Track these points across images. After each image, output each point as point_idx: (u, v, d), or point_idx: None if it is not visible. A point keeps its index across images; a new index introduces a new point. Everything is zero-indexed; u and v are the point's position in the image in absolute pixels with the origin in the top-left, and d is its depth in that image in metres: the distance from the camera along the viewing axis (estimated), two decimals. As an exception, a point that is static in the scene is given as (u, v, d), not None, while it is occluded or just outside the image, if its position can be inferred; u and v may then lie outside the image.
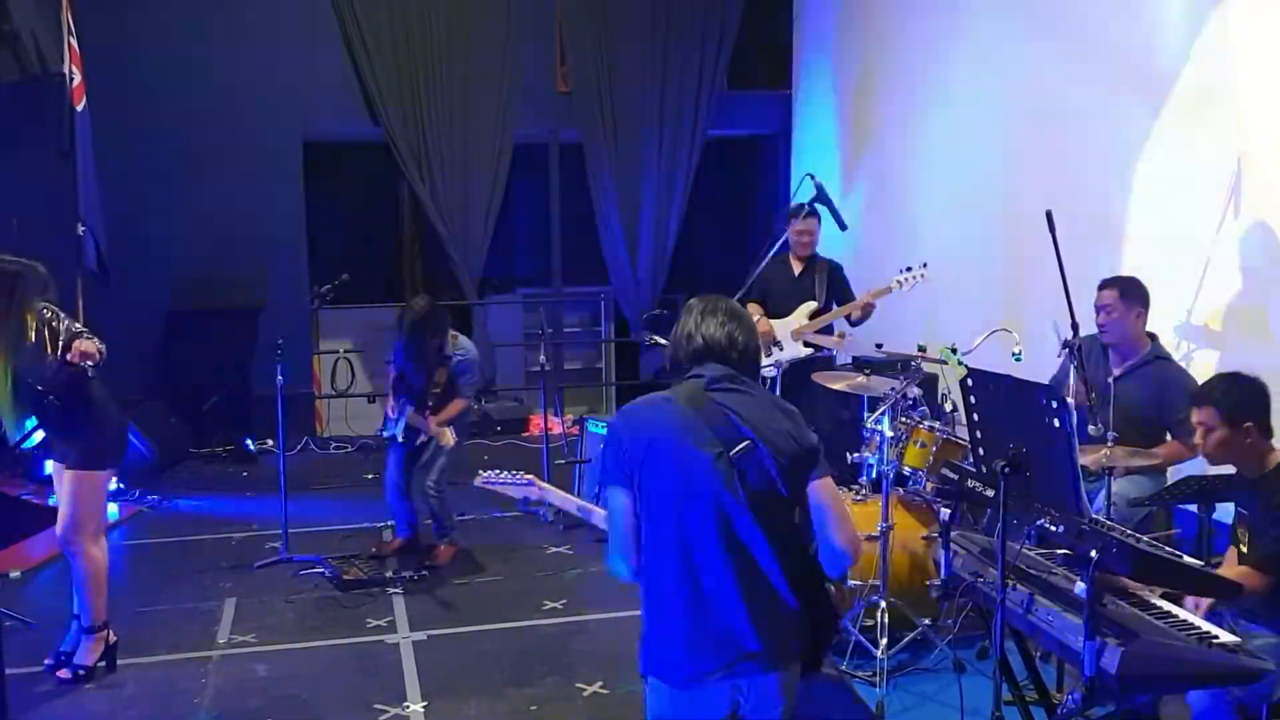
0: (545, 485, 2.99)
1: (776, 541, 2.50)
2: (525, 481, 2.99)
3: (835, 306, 6.23)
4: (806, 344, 6.07)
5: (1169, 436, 4.51)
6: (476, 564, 5.86)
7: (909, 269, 5.94)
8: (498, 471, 3.05)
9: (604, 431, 6.48)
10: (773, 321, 6.26)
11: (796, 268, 6.38)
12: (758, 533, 2.47)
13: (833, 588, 2.66)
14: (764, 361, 5.82)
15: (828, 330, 6.14)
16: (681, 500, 2.48)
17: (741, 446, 2.47)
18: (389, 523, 6.25)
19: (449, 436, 5.54)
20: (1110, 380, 4.52)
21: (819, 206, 5.95)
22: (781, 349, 6.21)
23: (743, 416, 2.50)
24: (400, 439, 5.71)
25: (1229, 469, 4.12)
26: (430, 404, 5.64)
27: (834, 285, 6.32)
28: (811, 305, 6.26)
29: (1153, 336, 4.65)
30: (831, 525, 2.54)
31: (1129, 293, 4.58)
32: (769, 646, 2.48)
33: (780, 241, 6.05)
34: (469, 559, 5.90)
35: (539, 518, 2.82)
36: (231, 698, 4.36)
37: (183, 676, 4.54)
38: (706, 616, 2.48)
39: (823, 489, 2.56)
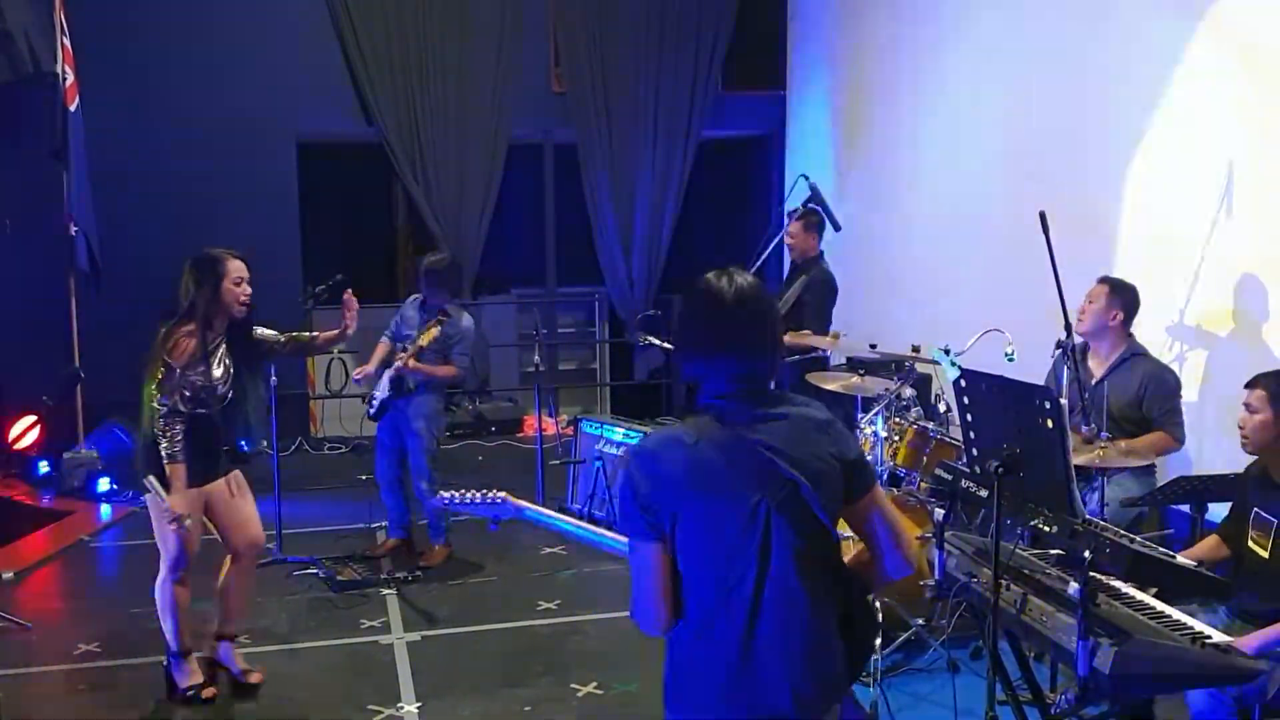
0: (523, 502, 2.75)
1: (824, 584, 2.27)
2: (497, 500, 2.75)
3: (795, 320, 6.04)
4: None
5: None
6: (471, 565, 5.85)
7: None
8: (463, 491, 2.79)
9: (604, 433, 6.49)
10: None
11: (791, 271, 6.37)
12: (804, 581, 2.23)
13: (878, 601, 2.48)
14: None
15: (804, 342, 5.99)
16: (717, 554, 2.21)
17: (780, 494, 2.19)
18: (382, 524, 6.24)
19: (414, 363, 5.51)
20: (1092, 383, 4.54)
21: (813, 207, 5.95)
22: None
23: (777, 450, 2.20)
24: (390, 394, 5.62)
25: (1224, 470, 4.15)
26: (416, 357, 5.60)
27: (800, 300, 6.07)
28: None
29: (1130, 336, 4.66)
30: (891, 539, 2.33)
31: (1118, 293, 4.60)
32: (809, 702, 2.24)
33: (775, 242, 6.05)
34: (463, 560, 5.90)
35: (488, 529, 2.82)
36: (225, 699, 4.35)
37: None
38: (742, 674, 2.23)
39: (874, 502, 2.31)
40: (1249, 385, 3.57)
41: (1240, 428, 3.56)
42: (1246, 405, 3.53)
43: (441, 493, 2.86)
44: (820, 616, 2.27)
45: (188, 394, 4.10)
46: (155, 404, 4.07)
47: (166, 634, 4.33)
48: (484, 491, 2.79)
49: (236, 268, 4.24)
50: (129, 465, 7.37)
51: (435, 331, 5.51)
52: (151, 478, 4.07)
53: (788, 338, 5.75)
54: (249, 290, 4.27)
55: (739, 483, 2.19)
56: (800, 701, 2.25)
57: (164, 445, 4.06)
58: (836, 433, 2.29)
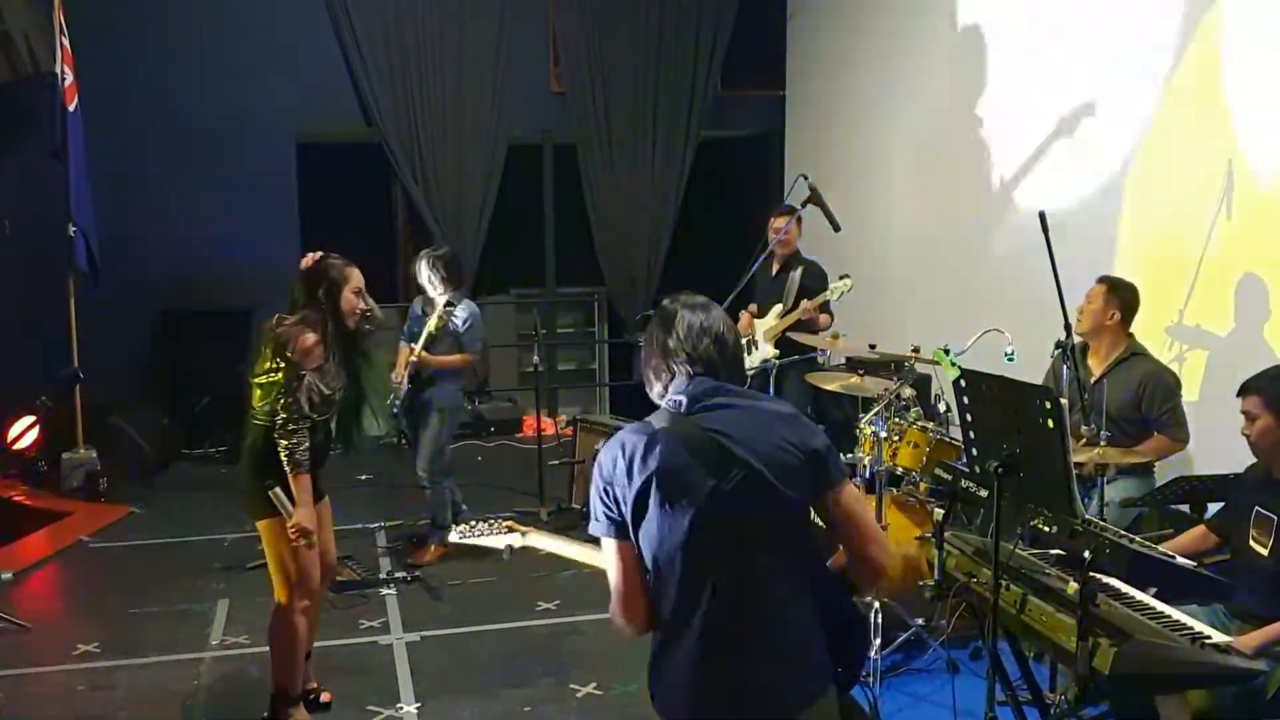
0: (530, 529, 2.78)
1: (793, 576, 2.27)
2: (504, 530, 2.78)
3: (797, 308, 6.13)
4: (796, 344, 6.03)
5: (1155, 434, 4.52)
6: (470, 565, 5.84)
7: (841, 277, 6.00)
8: (472, 524, 2.83)
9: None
10: (755, 321, 6.33)
11: (774, 268, 6.39)
12: (769, 567, 2.24)
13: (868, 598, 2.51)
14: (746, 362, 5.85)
15: (810, 330, 6.05)
16: (682, 546, 2.22)
17: (735, 477, 2.20)
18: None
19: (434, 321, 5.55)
20: (1091, 382, 4.53)
21: (811, 207, 5.94)
22: (756, 348, 6.23)
23: (734, 438, 2.22)
24: (409, 386, 5.65)
25: (1224, 470, 4.15)
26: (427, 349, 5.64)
27: (801, 287, 6.18)
28: (779, 307, 6.25)
29: (1129, 336, 4.66)
30: (860, 538, 2.31)
31: (1115, 291, 4.60)
32: (786, 698, 2.25)
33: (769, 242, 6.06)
34: (463, 560, 5.88)
35: (503, 558, 2.80)
36: (223, 699, 4.35)
37: (175, 678, 4.54)
38: (717, 670, 2.24)
39: (842, 498, 2.30)
40: (1241, 393, 3.53)
41: (1246, 437, 3.52)
42: (1245, 414, 3.50)
43: (455, 528, 2.87)
44: (793, 605, 2.27)
45: (316, 400, 3.82)
46: (282, 411, 3.77)
47: (278, 677, 3.96)
48: (490, 523, 2.81)
49: (356, 276, 3.98)
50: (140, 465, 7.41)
51: (440, 320, 5.56)
52: (279, 490, 3.80)
53: (805, 305, 6.04)
54: (367, 304, 4.00)
55: (696, 470, 2.22)
56: (780, 694, 2.25)
57: (298, 454, 3.77)
58: (799, 424, 2.31)
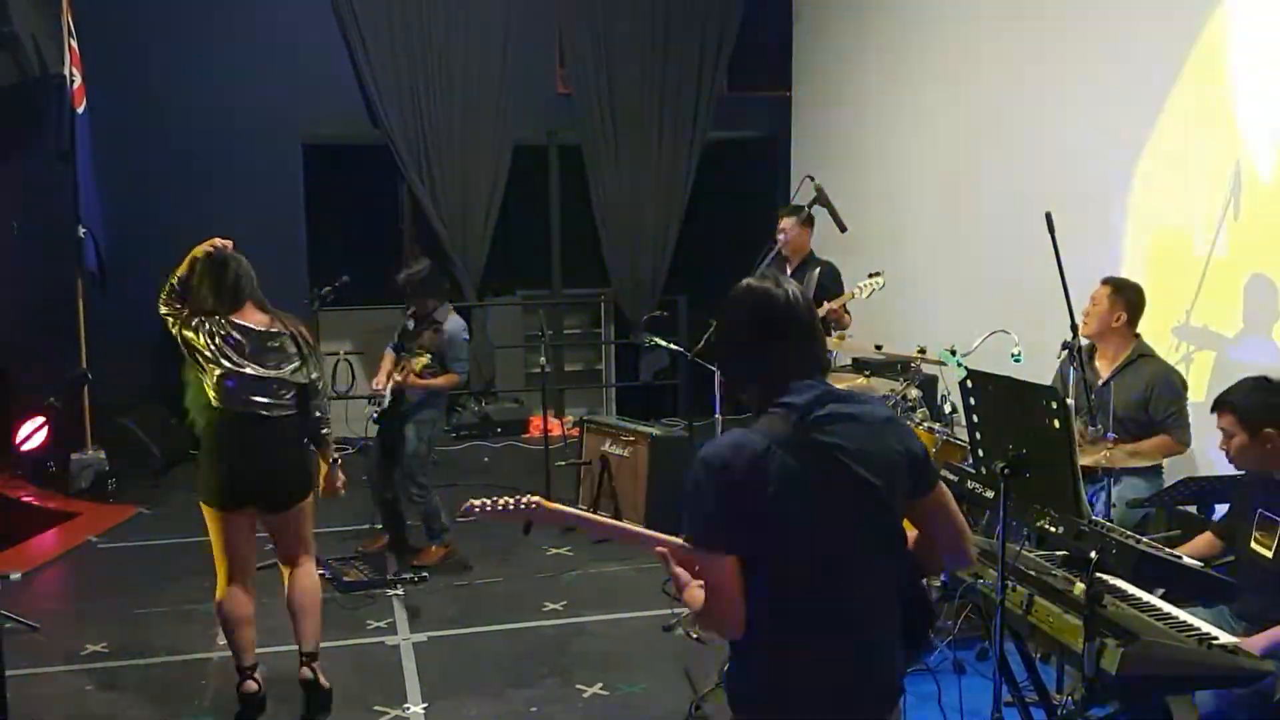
0: (554, 505, 2.59)
1: (890, 580, 2.28)
2: (530, 506, 2.58)
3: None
4: None
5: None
6: (476, 565, 5.86)
7: (871, 275, 5.86)
8: (493, 500, 2.62)
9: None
10: None
11: (788, 268, 6.37)
12: (874, 578, 2.24)
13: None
14: None
15: (838, 327, 6.03)
16: (797, 559, 2.18)
17: (854, 496, 2.18)
18: (378, 525, 6.25)
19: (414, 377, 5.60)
20: (1099, 384, 4.53)
21: (818, 208, 5.93)
22: None
23: (851, 453, 2.17)
24: (389, 400, 5.72)
25: (1231, 471, 4.14)
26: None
27: (820, 287, 6.15)
28: None
29: (1137, 336, 4.65)
30: (958, 534, 2.35)
31: (1120, 293, 4.59)
32: (881, 700, 2.28)
33: (774, 242, 6.05)
34: (467, 560, 5.90)
35: (523, 533, 2.77)
36: (231, 699, 4.34)
37: (182, 678, 4.56)
38: (821, 676, 2.22)
39: (941, 498, 2.32)
40: (1215, 409, 3.55)
41: (1225, 453, 3.54)
42: (1222, 430, 3.52)
43: (472, 502, 2.73)
44: (888, 609, 2.27)
45: None
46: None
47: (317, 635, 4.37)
48: (514, 498, 2.69)
49: None
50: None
51: (425, 359, 5.59)
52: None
53: (828, 306, 5.90)
54: None
55: (815, 489, 2.15)
56: (877, 696, 2.27)
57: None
58: (902, 427, 2.30)
